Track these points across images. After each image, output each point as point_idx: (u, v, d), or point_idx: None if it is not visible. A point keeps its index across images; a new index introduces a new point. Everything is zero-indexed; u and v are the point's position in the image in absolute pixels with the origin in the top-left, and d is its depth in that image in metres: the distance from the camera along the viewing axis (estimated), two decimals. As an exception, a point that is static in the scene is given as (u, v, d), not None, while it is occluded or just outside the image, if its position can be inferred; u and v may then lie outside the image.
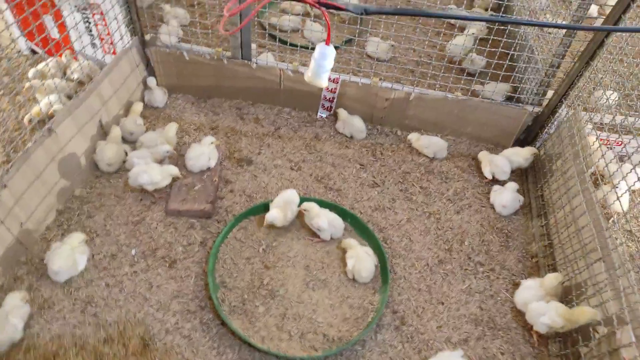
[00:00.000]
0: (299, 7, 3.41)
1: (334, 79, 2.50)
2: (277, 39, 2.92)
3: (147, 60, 2.62)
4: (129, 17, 2.48)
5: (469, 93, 2.63)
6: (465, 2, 3.11)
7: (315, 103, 2.66)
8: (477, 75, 2.86)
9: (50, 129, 1.93)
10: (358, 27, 2.48)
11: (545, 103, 2.48)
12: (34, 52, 2.83)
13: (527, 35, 2.99)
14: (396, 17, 2.52)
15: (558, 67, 2.38)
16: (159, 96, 2.58)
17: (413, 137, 2.52)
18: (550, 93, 2.48)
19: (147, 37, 2.58)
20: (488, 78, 2.51)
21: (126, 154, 2.21)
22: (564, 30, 2.31)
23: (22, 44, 2.80)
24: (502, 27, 3.06)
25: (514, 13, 3.48)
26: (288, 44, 2.91)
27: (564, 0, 2.78)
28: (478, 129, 2.59)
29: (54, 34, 2.66)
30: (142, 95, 2.60)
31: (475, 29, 3.39)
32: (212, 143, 2.19)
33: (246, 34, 2.46)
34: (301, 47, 2.58)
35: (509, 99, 2.55)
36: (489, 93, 2.77)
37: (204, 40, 2.61)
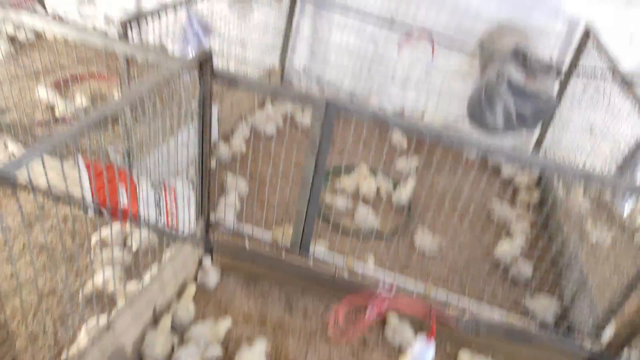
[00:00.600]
0: (351, 184, 3.57)
1: (388, 286, 2.50)
2: (331, 223, 3.02)
3: (208, 239, 2.69)
4: (199, 200, 2.61)
5: (528, 315, 2.59)
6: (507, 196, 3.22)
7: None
8: (523, 284, 2.87)
9: (111, 324, 1.91)
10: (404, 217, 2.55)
11: (604, 341, 2.40)
12: (101, 213, 2.95)
13: (578, 254, 3.03)
14: (444, 212, 2.62)
15: (620, 306, 2.34)
16: (212, 278, 2.59)
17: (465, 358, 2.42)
18: (610, 330, 2.42)
19: (212, 217, 2.68)
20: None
21: (173, 348, 2.15)
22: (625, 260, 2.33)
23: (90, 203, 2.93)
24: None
25: (558, 213, 3.54)
26: (351, 233, 2.95)
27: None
28: (532, 357, 2.49)
29: (124, 201, 2.80)
30: (196, 274, 2.62)
31: (521, 230, 3.46)
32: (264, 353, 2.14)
33: (308, 233, 2.54)
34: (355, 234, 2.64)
35: (560, 322, 2.48)
36: (539, 311, 2.73)
37: (261, 218, 2.70)
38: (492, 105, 2.99)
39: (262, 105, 4.37)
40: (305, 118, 4.30)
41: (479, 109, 3.03)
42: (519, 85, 2.95)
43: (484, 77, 3.13)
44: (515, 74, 3.01)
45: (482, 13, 4.01)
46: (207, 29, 2.83)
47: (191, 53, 2.67)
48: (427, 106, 4.67)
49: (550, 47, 3.97)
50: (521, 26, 3.96)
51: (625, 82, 2.80)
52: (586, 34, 3.69)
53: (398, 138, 4.33)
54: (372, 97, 4.80)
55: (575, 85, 3.74)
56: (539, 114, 2.96)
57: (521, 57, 3.13)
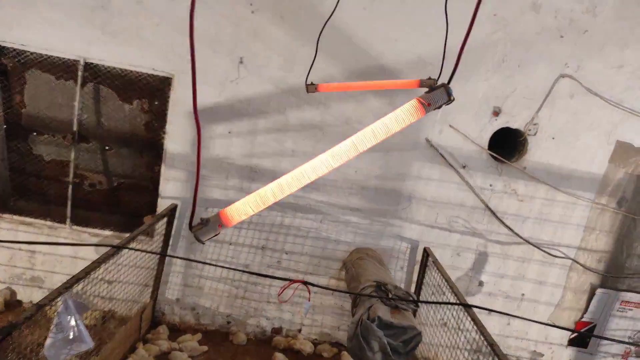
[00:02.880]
0: None
1: None
2: None
3: None
4: None
5: None
6: None
7: None
8: None
9: None
10: None
11: None
12: None
13: None
14: None
15: None
16: None
17: None
18: None
19: None
20: None
21: None
22: None
23: None
24: None
25: None
26: None
27: None
28: None
29: None
30: None
31: None
32: None
33: None
34: None
35: None
36: None
37: None
38: (368, 343, 3.28)
39: None
40: None
41: (358, 348, 3.28)
42: (387, 321, 3.33)
43: (356, 314, 3.48)
44: (383, 309, 3.43)
45: (341, 240, 4.62)
46: (83, 308, 2.73)
47: (67, 349, 2.50)
48: (304, 322, 4.88)
49: (400, 266, 4.68)
50: (374, 247, 4.64)
51: (456, 294, 3.51)
52: (426, 254, 4.48)
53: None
54: (250, 318, 4.87)
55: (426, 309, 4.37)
56: (409, 345, 3.33)
57: (384, 291, 3.60)
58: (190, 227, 1.05)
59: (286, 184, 1.00)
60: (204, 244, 1.14)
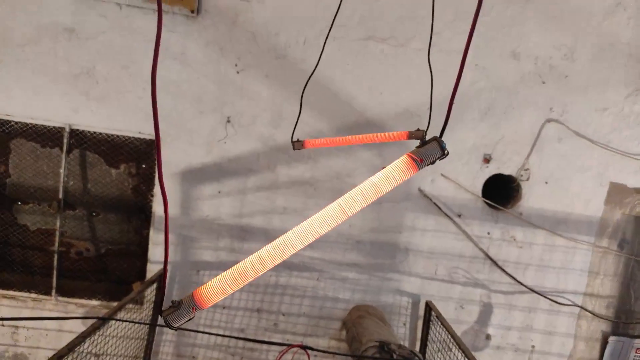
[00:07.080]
0: None
1: None
2: None
3: None
4: None
5: None
6: None
7: None
8: None
9: None
10: None
11: None
12: None
13: None
14: None
15: None
16: None
17: None
18: None
19: None
20: None
21: None
22: None
23: None
24: None
25: None
26: None
27: None
28: None
29: None
30: None
31: None
32: None
33: None
34: None
35: None
36: None
37: None
38: (374, 410, 3.05)
39: None
40: None
41: (363, 417, 3.05)
42: (393, 385, 3.11)
43: (359, 379, 3.26)
44: (386, 372, 3.21)
45: (339, 297, 4.43)
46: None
47: None
48: (304, 388, 4.57)
49: (402, 322, 4.47)
50: (374, 304, 4.45)
51: (464, 351, 3.29)
52: (428, 308, 4.29)
53: None
54: (246, 388, 4.56)
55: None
56: (417, 411, 3.09)
57: (387, 352, 3.40)
58: (160, 312, 0.94)
59: (267, 255, 0.90)
60: (176, 330, 1.03)
